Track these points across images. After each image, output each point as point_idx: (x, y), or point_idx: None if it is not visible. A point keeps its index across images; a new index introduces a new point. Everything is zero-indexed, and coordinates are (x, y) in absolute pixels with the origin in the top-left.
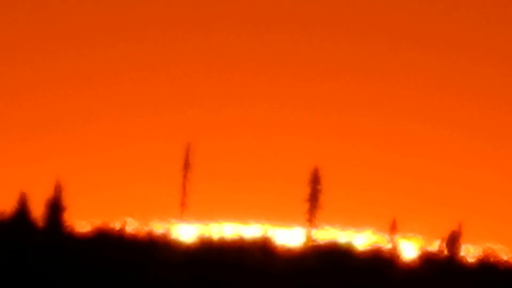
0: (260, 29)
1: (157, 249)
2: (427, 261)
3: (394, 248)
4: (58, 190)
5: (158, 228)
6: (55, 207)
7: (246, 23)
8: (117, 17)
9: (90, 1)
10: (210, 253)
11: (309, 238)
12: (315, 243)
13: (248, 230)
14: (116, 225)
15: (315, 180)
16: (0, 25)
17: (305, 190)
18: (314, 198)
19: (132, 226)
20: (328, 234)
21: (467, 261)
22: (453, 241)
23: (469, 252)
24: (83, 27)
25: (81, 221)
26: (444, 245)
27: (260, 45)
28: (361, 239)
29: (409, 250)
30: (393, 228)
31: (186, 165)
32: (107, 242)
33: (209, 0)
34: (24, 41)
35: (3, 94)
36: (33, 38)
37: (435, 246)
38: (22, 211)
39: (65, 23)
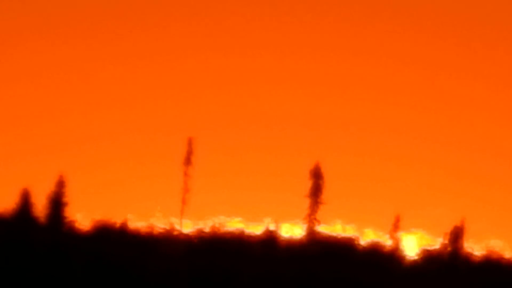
0: (263, 26)
1: (159, 245)
2: (430, 256)
3: (397, 244)
4: (60, 186)
5: (159, 223)
6: (57, 203)
7: (248, 20)
8: (120, 13)
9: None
10: (211, 248)
11: (311, 233)
12: (317, 238)
13: (250, 226)
14: (118, 221)
15: (317, 176)
16: (1, 24)
17: (307, 186)
18: (316, 194)
19: (133, 222)
20: (330, 229)
21: (469, 257)
22: (456, 237)
23: (472, 248)
24: (86, 22)
25: (82, 217)
26: (447, 241)
27: (261, 42)
28: (364, 235)
29: (411, 246)
30: (396, 224)
31: (188, 161)
32: (109, 237)
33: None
34: (25, 38)
35: (5, 90)
36: (34, 35)
37: (438, 242)
38: (25, 207)
39: (68, 19)
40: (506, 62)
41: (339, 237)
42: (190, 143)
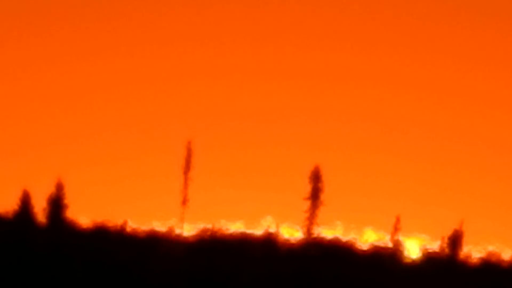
0: (263, 27)
1: (158, 247)
2: (429, 260)
3: (396, 246)
4: (60, 188)
5: (159, 226)
6: (57, 205)
7: (249, 22)
8: (118, 14)
9: (92, 0)
10: (211, 251)
11: (310, 236)
12: (316, 241)
13: (250, 228)
14: (118, 223)
15: (316, 178)
16: (1, 24)
17: (307, 188)
18: (315, 196)
19: (133, 224)
20: (330, 232)
21: (468, 260)
22: (454, 240)
23: (471, 251)
24: (84, 24)
25: (82, 219)
26: (446, 244)
27: (261, 43)
28: (363, 237)
29: (411, 248)
30: (395, 227)
31: (187, 163)
32: (108, 239)
33: (210, 0)
34: (25, 40)
35: (5, 92)
36: (34, 36)
37: (437, 245)
38: (24, 209)
39: (66, 19)
40: (506, 61)
41: (338, 238)
42: (189, 144)
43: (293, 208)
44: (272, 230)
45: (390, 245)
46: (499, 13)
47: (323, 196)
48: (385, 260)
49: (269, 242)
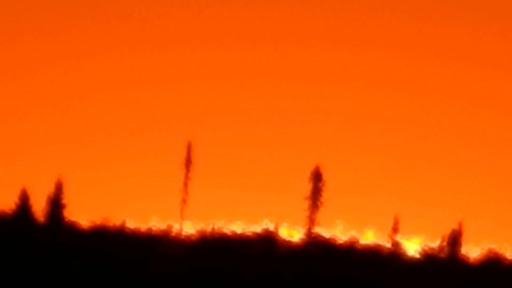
0: (263, 27)
1: (158, 247)
2: (428, 259)
3: (395, 246)
4: (59, 187)
5: (158, 225)
6: (56, 204)
7: (249, 22)
8: (119, 16)
9: (92, 0)
10: (211, 250)
11: (310, 236)
12: (316, 240)
13: (249, 228)
14: (117, 222)
15: (316, 178)
16: (1, 25)
17: (307, 188)
18: (315, 196)
19: (132, 224)
20: (330, 231)
21: (467, 260)
22: (453, 240)
23: (470, 251)
24: (85, 24)
25: (81, 218)
26: (445, 244)
27: (261, 43)
28: (363, 236)
29: (410, 248)
30: (394, 227)
31: (187, 163)
32: (107, 239)
33: (210, 1)
34: (25, 40)
35: (5, 92)
36: (34, 36)
37: (436, 245)
38: (23, 208)
39: (66, 19)
40: (506, 61)
41: (338, 238)
42: (189, 144)
43: (293, 208)
44: (272, 229)
45: (389, 245)
46: (499, 13)
47: (323, 196)
48: (385, 260)
49: (269, 242)
